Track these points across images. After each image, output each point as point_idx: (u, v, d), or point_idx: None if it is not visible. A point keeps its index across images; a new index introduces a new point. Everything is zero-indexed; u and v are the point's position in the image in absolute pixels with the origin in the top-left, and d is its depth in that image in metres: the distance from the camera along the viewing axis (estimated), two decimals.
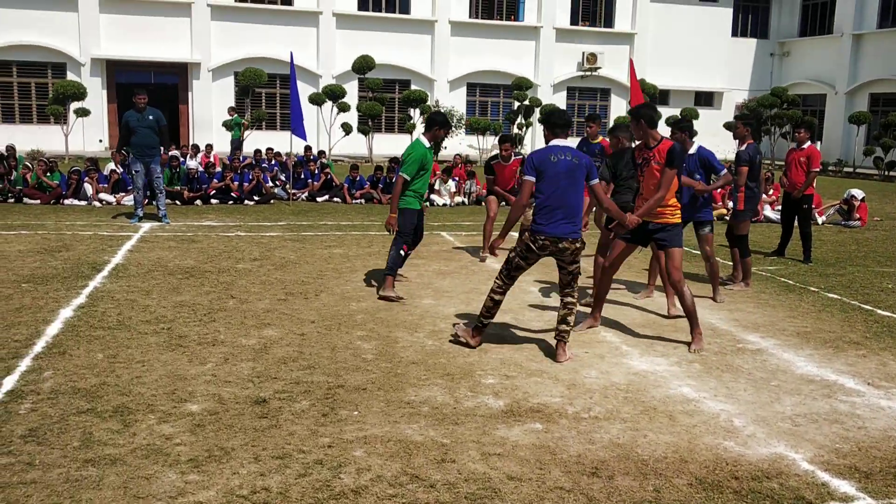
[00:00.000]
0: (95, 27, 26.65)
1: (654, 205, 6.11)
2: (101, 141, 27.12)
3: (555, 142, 5.76)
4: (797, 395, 5.18)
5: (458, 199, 15.82)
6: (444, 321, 6.78)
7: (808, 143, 10.33)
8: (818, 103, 33.20)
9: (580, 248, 5.70)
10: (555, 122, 5.79)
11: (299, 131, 14.60)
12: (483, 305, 6.01)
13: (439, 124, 7.62)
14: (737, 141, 8.83)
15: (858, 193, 14.04)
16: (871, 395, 5.23)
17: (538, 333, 6.50)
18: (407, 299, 7.53)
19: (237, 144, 22.91)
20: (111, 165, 14.71)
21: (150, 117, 11.71)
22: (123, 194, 14.00)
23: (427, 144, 7.57)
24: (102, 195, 14.05)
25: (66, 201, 13.76)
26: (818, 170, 10.16)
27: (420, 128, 27.33)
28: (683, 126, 8.18)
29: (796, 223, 10.46)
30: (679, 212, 6.30)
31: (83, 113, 24.35)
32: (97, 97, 26.30)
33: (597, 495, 3.72)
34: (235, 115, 23.95)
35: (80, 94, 23.68)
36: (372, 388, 5.10)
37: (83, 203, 13.85)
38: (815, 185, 10.54)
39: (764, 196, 14.62)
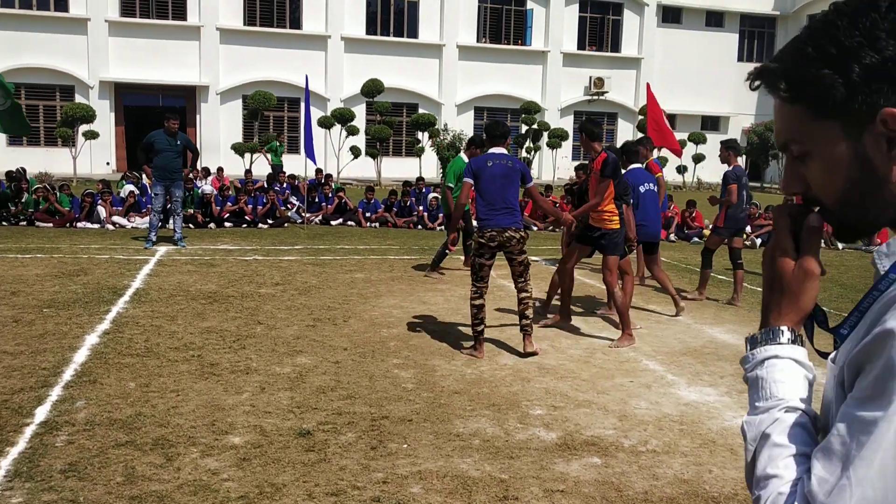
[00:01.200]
0: (104, 50, 26.68)
1: (587, 209, 6.93)
2: (108, 163, 27.06)
3: (493, 150, 6.50)
4: None
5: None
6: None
7: None
8: None
9: (524, 237, 6.37)
10: (492, 133, 6.55)
11: (311, 154, 14.49)
12: (471, 316, 6.43)
13: (476, 144, 8.49)
14: (725, 164, 9.03)
15: None
16: None
17: (577, 362, 6.32)
18: (437, 326, 7.37)
19: (278, 170, 20.90)
20: (130, 187, 14.55)
21: (179, 143, 11.66)
22: (137, 216, 13.86)
23: (465, 160, 7.92)
24: (116, 218, 13.91)
25: (79, 224, 13.62)
26: None
27: (429, 151, 27.40)
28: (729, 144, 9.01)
29: None
30: (616, 218, 6.90)
31: (92, 135, 24.29)
32: (105, 120, 26.27)
33: None
34: (274, 141, 23.11)
35: (88, 116, 23.65)
36: (417, 419, 4.92)
37: (96, 226, 13.71)
38: None
39: None
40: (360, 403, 5.17)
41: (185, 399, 5.15)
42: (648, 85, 14.55)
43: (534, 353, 6.33)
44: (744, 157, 32.18)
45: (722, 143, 9.42)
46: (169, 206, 12.01)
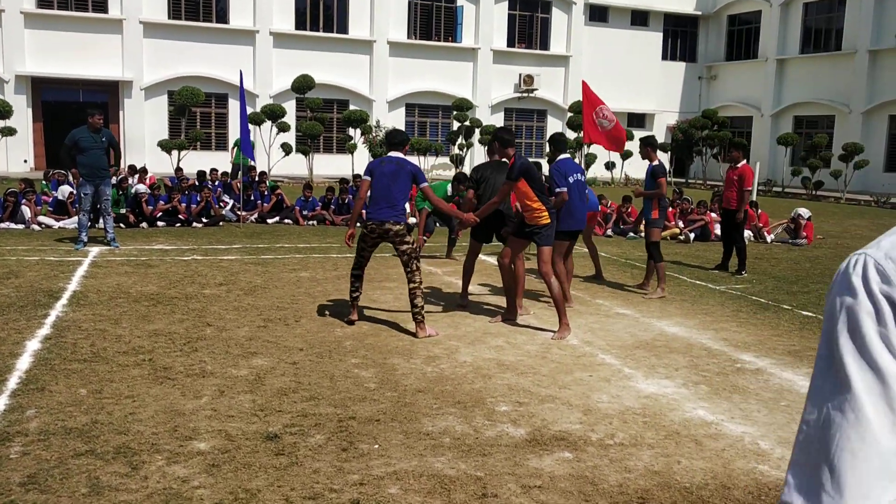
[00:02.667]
0: (20, 43, 25.56)
1: (489, 208, 7.46)
2: (25, 161, 25.97)
3: (391, 153, 7.17)
4: None
5: (413, 220, 15.63)
6: (436, 346, 6.60)
7: (743, 162, 10.74)
8: (745, 125, 34.35)
9: (402, 229, 6.93)
10: (391, 140, 7.28)
11: (248, 151, 14.19)
12: (350, 285, 7.35)
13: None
14: (646, 160, 9.50)
15: (805, 213, 14.47)
16: None
17: (535, 357, 6.37)
18: (391, 324, 7.32)
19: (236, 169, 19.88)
20: (68, 188, 13.94)
21: (104, 138, 11.19)
22: (67, 217, 13.35)
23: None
24: (42, 218, 13.35)
25: (3, 225, 13.02)
26: (750, 189, 10.57)
27: (361, 148, 27.19)
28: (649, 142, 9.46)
29: None
30: (546, 214, 7.22)
31: (8, 132, 23.28)
32: (22, 116, 25.17)
33: None
34: (237, 138, 21.60)
35: (5, 112, 22.67)
36: (385, 419, 4.88)
37: (21, 227, 13.13)
38: (758, 204, 11.05)
39: (713, 215, 14.95)
40: (325, 404, 5.09)
41: (142, 405, 4.98)
42: (584, 82, 14.70)
43: (429, 336, 6.85)
44: (668, 153, 33.02)
45: (641, 140, 9.71)
46: (98, 205, 11.56)
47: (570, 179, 8.26)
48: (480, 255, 8.64)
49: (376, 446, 4.44)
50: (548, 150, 8.71)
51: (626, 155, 29.82)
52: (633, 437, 4.72)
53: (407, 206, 13.31)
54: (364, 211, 7.41)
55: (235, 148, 21.14)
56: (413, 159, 28.52)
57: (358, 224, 7.68)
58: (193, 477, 3.96)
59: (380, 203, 6.95)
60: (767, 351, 6.77)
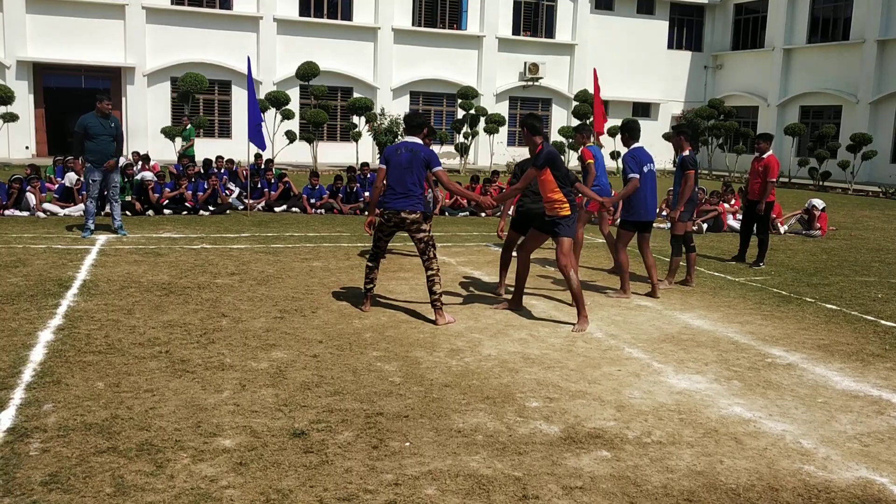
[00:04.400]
0: (21, 28, 25.29)
1: (510, 193, 7.40)
2: (27, 147, 25.76)
3: (407, 138, 7.05)
4: (850, 413, 5.03)
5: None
6: (458, 339, 6.44)
7: (769, 153, 10.54)
8: (751, 115, 34.10)
9: (418, 218, 6.89)
10: (409, 123, 7.12)
11: (258, 140, 14.00)
12: (364, 276, 7.27)
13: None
14: (676, 150, 9.07)
15: (819, 203, 14.30)
16: None
17: (560, 351, 6.22)
18: (409, 315, 7.17)
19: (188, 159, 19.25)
20: (74, 175, 13.75)
21: (112, 124, 11.03)
22: (72, 204, 13.17)
23: None
24: (47, 205, 13.17)
25: (7, 212, 12.84)
26: (774, 180, 10.37)
27: (365, 135, 26.98)
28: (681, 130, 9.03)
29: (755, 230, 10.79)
30: (567, 205, 7.00)
31: (10, 118, 23.05)
32: (23, 102, 24.93)
33: None
34: (191, 126, 20.79)
35: (6, 98, 22.44)
36: (413, 415, 4.73)
37: (25, 214, 12.95)
38: (775, 194, 10.81)
39: (726, 206, 14.78)
40: (350, 399, 4.94)
41: (163, 399, 4.82)
42: (595, 70, 14.54)
43: (448, 323, 6.88)
44: (673, 142, 32.81)
45: (674, 128, 9.46)
46: (106, 192, 11.38)
47: (645, 169, 8.17)
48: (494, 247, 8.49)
49: (408, 444, 4.29)
50: (620, 136, 8.51)
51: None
52: (670, 434, 4.57)
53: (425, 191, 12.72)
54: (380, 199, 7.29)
55: (186, 139, 20.07)
56: None
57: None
58: (221, 476, 3.81)
59: (395, 192, 6.91)
60: (796, 345, 6.62)
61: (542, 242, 7.46)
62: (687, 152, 8.91)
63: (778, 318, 7.58)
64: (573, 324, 6.97)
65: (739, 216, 14.06)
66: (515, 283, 7.60)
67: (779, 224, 14.17)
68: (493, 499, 3.68)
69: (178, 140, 20.94)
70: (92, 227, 11.22)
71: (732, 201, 15.10)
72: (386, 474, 3.90)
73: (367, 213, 7.52)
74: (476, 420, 4.68)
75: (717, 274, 9.99)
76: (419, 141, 7.06)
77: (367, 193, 15.44)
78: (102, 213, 12.88)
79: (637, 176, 8.01)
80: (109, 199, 11.45)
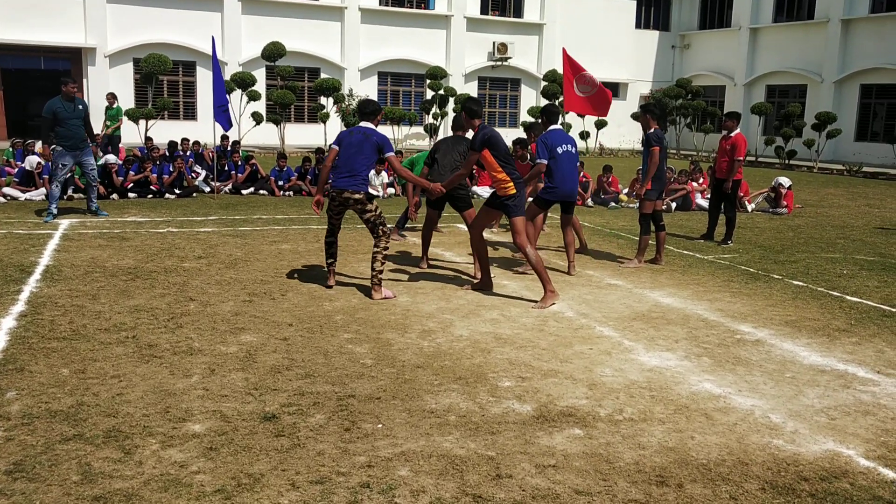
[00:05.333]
0: None
1: (456, 179, 7.44)
2: None
3: (361, 123, 7.24)
4: (817, 387, 5.10)
5: (391, 190, 15.39)
6: (429, 320, 6.42)
7: (736, 131, 10.62)
8: (718, 94, 34.35)
9: (362, 198, 7.02)
10: (362, 110, 7.34)
11: (222, 120, 13.78)
12: (325, 252, 7.46)
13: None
14: (643, 128, 9.12)
15: (785, 182, 14.46)
16: (886, 384, 5.21)
17: (532, 330, 6.22)
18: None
19: (115, 141, 17.92)
20: (36, 158, 13.44)
21: (80, 107, 10.92)
22: (33, 188, 12.89)
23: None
24: (7, 189, 12.88)
25: None
26: (741, 158, 10.46)
27: (333, 117, 26.74)
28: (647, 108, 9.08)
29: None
30: (511, 185, 7.07)
31: None
32: None
33: None
34: (117, 105, 18.97)
35: None
36: (385, 396, 4.70)
37: None
38: (742, 173, 10.90)
39: (694, 184, 14.89)
40: (321, 382, 4.90)
41: (130, 385, 4.74)
42: (565, 49, 14.47)
43: (386, 298, 7.01)
44: (640, 121, 32.97)
45: (641, 107, 9.47)
46: (81, 176, 11.26)
47: (560, 150, 8.15)
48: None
49: (380, 426, 4.26)
50: (540, 120, 8.66)
51: (600, 124, 29.73)
52: (642, 411, 4.59)
53: (380, 176, 12.94)
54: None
55: (114, 119, 18.47)
56: (387, 129, 28.35)
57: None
58: (191, 461, 3.76)
59: (341, 172, 7.08)
60: (765, 321, 6.69)
61: (492, 219, 7.41)
62: (652, 130, 8.94)
63: (746, 295, 7.65)
64: (531, 300, 7.00)
65: (708, 195, 14.18)
66: (478, 263, 7.62)
67: (746, 202, 14.31)
68: (466, 479, 3.67)
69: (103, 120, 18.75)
70: (55, 211, 11.01)
71: (700, 180, 15.21)
72: (359, 456, 3.87)
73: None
74: (448, 401, 4.66)
75: (686, 252, 10.07)
76: (373, 126, 7.22)
77: None
78: (65, 198, 12.64)
79: (544, 161, 8.07)
80: (89, 183, 11.40)
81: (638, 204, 9.41)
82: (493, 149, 7.05)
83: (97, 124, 22.93)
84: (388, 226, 7.57)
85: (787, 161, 27.01)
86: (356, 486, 3.57)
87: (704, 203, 14.16)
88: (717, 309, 7.09)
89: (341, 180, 7.07)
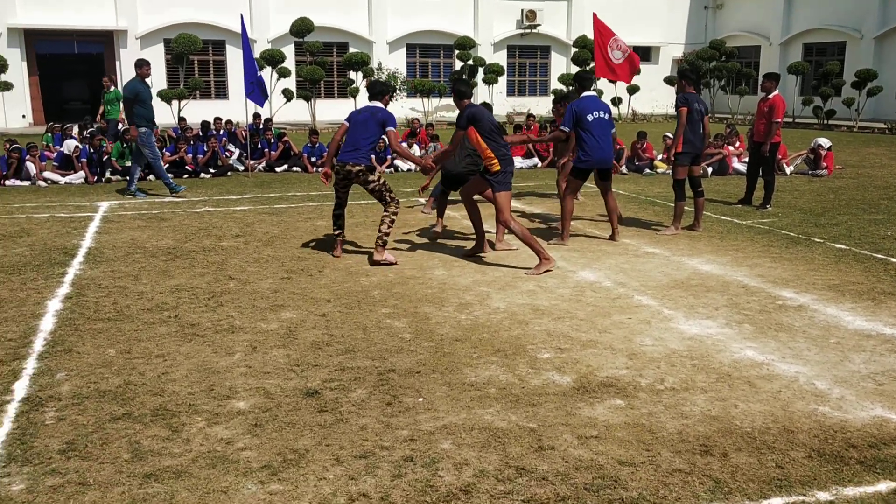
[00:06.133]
0: None
1: (442, 157, 7.84)
2: (24, 117, 25.53)
3: (370, 103, 7.60)
4: (863, 353, 5.02)
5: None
6: (466, 293, 6.42)
7: (775, 93, 10.39)
8: (753, 55, 33.62)
9: (363, 170, 7.37)
10: (370, 90, 7.73)
11: (256, 96, 13.83)
12: (333, 223, 7.87)
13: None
14: (678, 92, 9.00)
15: (825, 143, 14.14)
16: None
17: (569, 301, 6.20)
18: (416, 272, 7.14)
19: (115, 125, 16.52)
20: (73, 142, 13.59)
21: (150, 88, 11.56)
22: (72, 172, 13.09)
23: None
24: (47, 174, 13.10)
25: (8, 182, 12.77)
26: (779, 120, 10.24)
27: (363, 91, 26.67)
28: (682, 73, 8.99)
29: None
30: (496, 161, 7.15)
31: (5, 87, 22.81)
32: (17, 70, 24.64)
33: (720, 476, 3.45)
34: (115, 88, 17.35)
35: (0, 66, 22.13)
36: (425, 370, 4.72)
37: (26, 183, 12.88)
38: (780, 135, 10.68)
39: (731, 148, 14.64)
40: (361, 357, 4.94)
41: (174, 364, 4.83)
42: (595, 15, 14.25)
43: (385, 263, 7.33)
44: (675, 85, 32.39)
45: (678, 71, 9.30)
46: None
47: (590, 118, 8.09)
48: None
49: (421, 399, 4.29)
50: (572, 87, 8.61)
51: (632, 89, 29.30)
52: (683, 381, 4.56)
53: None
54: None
55: (113, 106, 16.93)
56: (416, 101, 28.24)
57: None
58: (237, 438, 3.82)
59: (346, 147, 7.46)
60: (807, 286, 6.59)
61: (480, 188, 7.49)
62: (684, 93, 8.79)
63: (787, 260, 7.54)
64: (575, 272, 6.94)
65: (745, 159, 13.95)
66: (474, 229, 7.83)
67: (784, 165, 14.04)
68: (508, 451, 3.68)
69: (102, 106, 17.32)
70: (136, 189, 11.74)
71: (737, 144, 14.94)
72: (401, 430, 3.90)
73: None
74: (488, 373, 4.67)
75: (724, 218, 9.93)
76: (381, 105, 7.58)
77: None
78: (103, 181, 12.84)
79: (565, 129, 8.19)
80: (148, 164, 11.86)
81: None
82: (478, 125, 7.14)
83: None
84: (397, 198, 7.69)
85: (826, 121, 26.42)
86: (399, 459, 3.60)
87: (741, 167, 13.94)
88: (758, 275, 6.99)
89: (345, 154, 7.43)
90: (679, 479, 3.42)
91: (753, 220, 9.75)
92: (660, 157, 14.72)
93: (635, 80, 29.67)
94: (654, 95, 33.30)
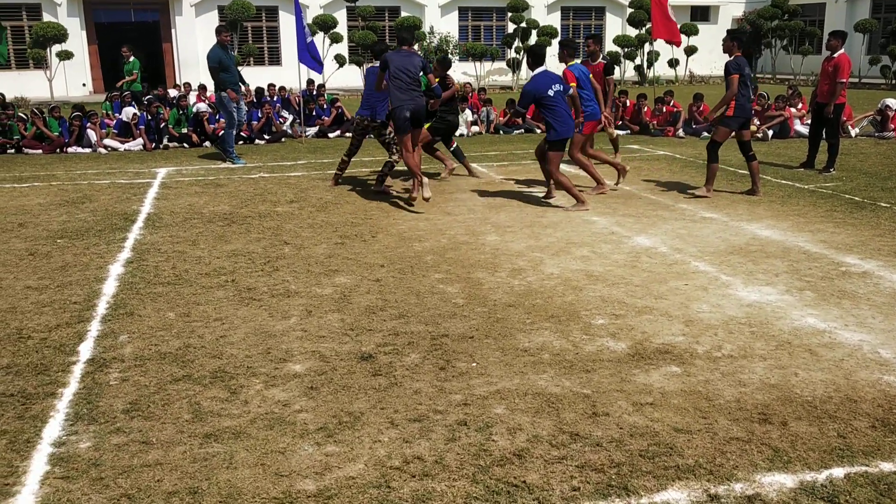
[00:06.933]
0: None
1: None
2: (84, 85, 26.08)
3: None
4: None
5: (475, 129, 15.25)
6: (519, 258, 6.39)
7: (841, 51, 10.01)
8: (817, 13, 32.40)
9: (370, 122, 9.23)
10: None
11: (311, 63, 13.85)
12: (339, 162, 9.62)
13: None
14: (728, 55, 8.73)
15: (893, 103, 13.62)
16: None
17: (624, 267, 6.12)
18: (469, 237, 7.12)
19: (139, 96, 15.47)
20: (131, 110, 13.74)
21: (233, 53, 11.79)
22: (131, 139, 13.35)
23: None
24: (107, 141, 13.38)
25: (70, 149, 13.09)
26: (844, 80, 9.87)
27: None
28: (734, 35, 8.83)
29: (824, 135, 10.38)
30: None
31: (66, 56, 23.29)
32: (76, 39, 25.12)
33: (780, 445, 3.39)
34: (134, 59, 16.67)
35: (61, 35, 22.60)
36: (478, 335, 4.72)
37: (87, 150, 13.18)
38: (845, 96, 10.30)
39: (793, 110, 14.20)
40: (415, 322, 4.96)
41: (232, 327, 4.92)
42: None
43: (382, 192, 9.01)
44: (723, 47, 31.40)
45: (728, 32, 9.05)
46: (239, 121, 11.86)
47: (550, 93, 8.18)
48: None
49: (474, 364, 4.29)
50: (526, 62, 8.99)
51: (690, 51, 28.56)
52: (741, 348, 4.48)
53: (463, 114, 12.56)
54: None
55: (129, 73, 16.43)
56: (468, 65, 27.98)
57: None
58: (294, 400, 3.88)
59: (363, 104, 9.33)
60: (872, 252, 6.39)
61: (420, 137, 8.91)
62: (733, 58, 8.59)
63: (851, 225, 7.31)
64: (630, 237, 6.84)
65: (807, 121, 13.52)
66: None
67: (849, 127, 13.57)
68: (562, 417, 3.67)
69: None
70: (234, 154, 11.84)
71: (799, 105, 14.47)
72: (454, 395, 3.92)
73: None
74: (541, 339, 4.65)
75: (784, 182, 9.66)
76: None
77: None
78: (161, 147, 13.08)
79: (522, 110, 8.81)
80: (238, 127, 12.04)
81: (706, 132, 9.18)
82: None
83: (200, 75, 23.39)
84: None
85: (893, 81, 25.41)
86: (453, 423, 3.62)
87: (803, 129, 13.52)
88: (820, 240, 6.80)
89: (361, 110, 9.22)
90: (736, 448, 3.37)
91: (816, 184, 9.47)
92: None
93: (693, 41, 28.99)
94: (712, 57, 32.33)
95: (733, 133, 8.69)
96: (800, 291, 5.44)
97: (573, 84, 8.64)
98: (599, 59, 10.28)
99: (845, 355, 4.35)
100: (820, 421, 3.60)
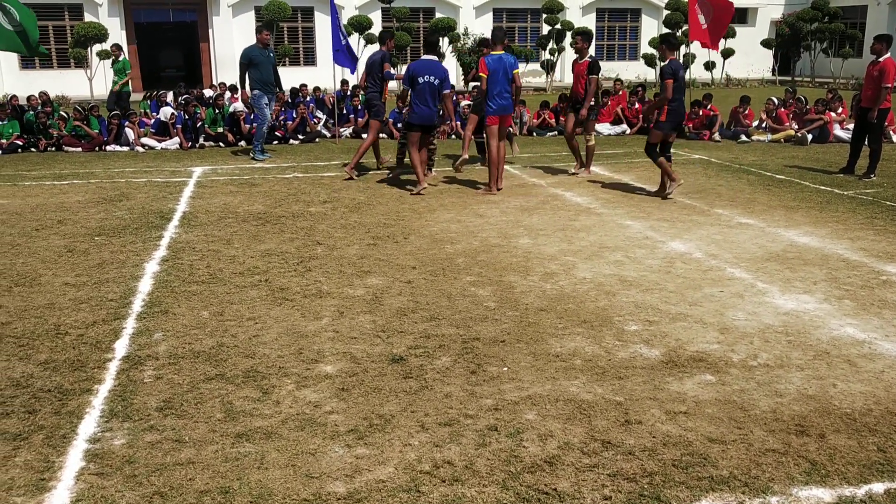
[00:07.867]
0: None
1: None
2: None
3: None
4: None
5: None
6: (552, 262, 6.35)
7: (886, 55, 9.81)
8: (858, 15, 31.83)
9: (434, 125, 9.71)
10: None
11: (346, 62, 13.92)
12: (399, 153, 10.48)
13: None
14: (661, 58, 8.85)
15: None
16: None
17: (658, 272, 6.05)
18: (501, 240, 7.10)
19: (124, 98, 16.12)
20: (170, 109, 13.95)
21: (271, 54, 11.92)
22: (168, 138, 13.52)
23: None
24: (145, 140, 13.56)
25: (108, 147, 13.28)
26: (890, 85, 9.67)
27: (449, 57, 26.55)
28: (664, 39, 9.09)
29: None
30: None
31: (106, 55, 23.59)
32: (117, 38, 25.42)
33: (817, 458, 3.32)
34: (123, 57, 16.66)
35: (101, 35, 22.94)
36: (510, 339, 4.70)
37: (125, 149, 13.36)
38: (890, 101, 10.11)
39: (833, 115, 13.96)
40: (446, 325, 4.95)
41: (265, 327, 4.95)
42: None
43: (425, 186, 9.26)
44: (773, 49, 31.05)
45: (660, 36, 9.11)
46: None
47: (421, 80, 9.07)
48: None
49: (506, 369, 4.27)
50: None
51: (726, 53, 28.23)
52: (778, 357, 4.40)
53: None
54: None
55: (120, 73, 16.41)
56: None
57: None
58: (325, 402, 3.89)
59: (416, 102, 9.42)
60: None
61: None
62: (666, 61, 8.79)
63: (892, 233, 7.16)
64: (664, 242, 6.77)
65: (847, 126, 13.30)
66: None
67: (892, 133, 13.30)
68: (594, 424, 3.64)
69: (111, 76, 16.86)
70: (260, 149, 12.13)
71: (839, 110, 14.22)
72: (485, 399, 3.90)
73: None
74: (574, 344, 4.62)
75: (823, 188, 9.50)
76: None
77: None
78: (196, 146, 13.21)
79: (406, 87, 9.27)
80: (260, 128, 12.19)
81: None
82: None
83: (237, 75, 23.71)
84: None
85: None
86: (484, 428, 3.61)
87: (843, 134, 13.29)
88: (860, 248, 6.67)
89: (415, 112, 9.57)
90: (772, 460, 3.31)
91: (856, 190, 9.29)
92: (755, 124, 14.19)
93: (730, 43, 28.63)
94: (749, 60, 32.03)
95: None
96: (839, 300, 5.34)
97: (483, 75, 9.17)
98: (586, 58, 10.15)
99: (886, 367, 4.26)
100: (859, 434, 3.53)
